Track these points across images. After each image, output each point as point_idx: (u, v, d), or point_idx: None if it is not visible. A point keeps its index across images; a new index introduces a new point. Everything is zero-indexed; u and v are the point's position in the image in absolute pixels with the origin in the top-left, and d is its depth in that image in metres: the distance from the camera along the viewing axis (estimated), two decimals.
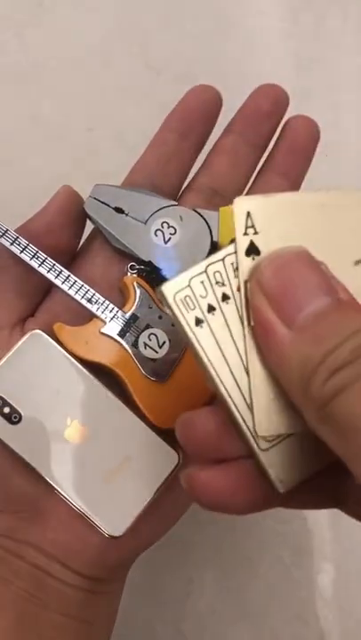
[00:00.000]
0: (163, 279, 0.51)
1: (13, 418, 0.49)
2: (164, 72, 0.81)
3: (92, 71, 0.81)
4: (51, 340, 0.50)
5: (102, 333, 0.50)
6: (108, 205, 0.52)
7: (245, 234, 0.35)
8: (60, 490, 0.49)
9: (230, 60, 0.82)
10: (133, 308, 0.51)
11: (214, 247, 0.52)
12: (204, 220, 0.53)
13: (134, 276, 0.52)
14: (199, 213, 0.53)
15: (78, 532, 0.50)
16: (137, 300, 0.51)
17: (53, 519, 0.50)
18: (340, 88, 0.82)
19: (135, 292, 0.51)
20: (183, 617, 0.70)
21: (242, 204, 0.35)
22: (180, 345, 0.51)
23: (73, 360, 0.50)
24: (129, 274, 0.52)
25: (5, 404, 0.49)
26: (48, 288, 0.53)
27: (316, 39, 0.84)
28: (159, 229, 0.52)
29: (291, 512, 0.71)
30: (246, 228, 0.35)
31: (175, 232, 0.52)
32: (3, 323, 0.51)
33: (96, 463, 0.50)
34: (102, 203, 0.52)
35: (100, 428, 0.50)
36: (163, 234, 0.52)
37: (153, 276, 0.52)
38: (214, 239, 0.53)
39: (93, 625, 0.52)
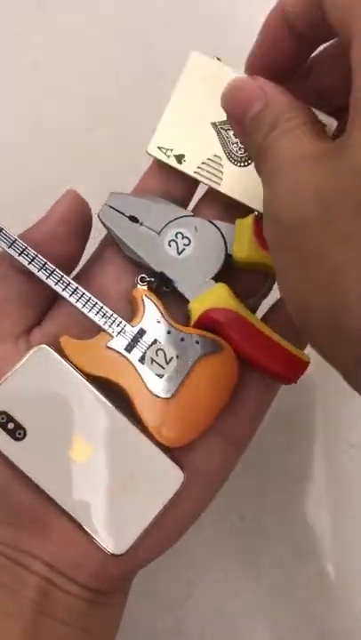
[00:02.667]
0: (174, 291, 0.52)
1: (17, 434, 0.48)
2: (163, 72, 0.81)
3: (92, 71, 0.81)
4: (56, 355, 0.49)
5: (109, 348, 0.50)
6: (123, 214, 0.52)
7: None
8: (63, 507, 0.48)
9: (230, 60, 0.81)
10: (141, 322, 0.50)
11: (228, 260, 0.52)
12: (220, 231, 0.52)
13: (144, 288, 0.51)
14: (215, 225, 0.52)
15: (80, 547, 0.49)
16: (145, 313, 0.50)
17: (55, 533, 0.50)
18: None
19: (144, 305, 0.51)
20: (184, 618, 0.69)
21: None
22: (187, 362, 0.50)
23: (79, 376, 0.49)
24: (138, 286, 0.51)
25: (10, 419, 0.48)
26: (54, 296, 0.52)
27: None
28: (173, 240, 0.52)
29: (292, 513, 0.72)
30: None
31: (189, 243, 0.52)
32: (5, 334, 0.51)
33: (100, 481, 0.49)
34: (117, 211, 0.52)
35: (105, 445, 0.49)
36: (176, 245, 0.52)
37: (163, 289, 0.52)
38: (229, 252, 0.52)
39: (96, 634, 0.52)
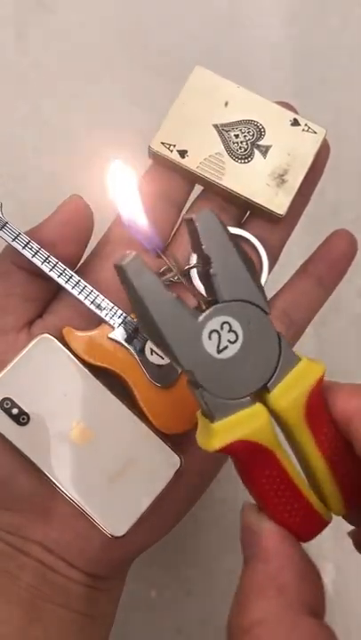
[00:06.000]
0: (204, 405, 0.38)
1: (21, 419, 0.49)
2: (164, 72, 0.81)
3: (91, 71, 0.82)
4: (59, 344, 0.50)
5: (110, 339, 0.51)
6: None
7: None
8: (64, 490, 0.49)
9: (230, 60, 0.82)
10: None
11: (265, 385, 0.38)
12: (279, 340, 0.39)
13: None
14: (278, 334, 0.39)
15: (81, 532, 0.51)
16: None
17: (57, 518, 0.51)
18: (341, 88, 0.83)
19: None
20: (184, 617, 0.70)
21: None
22: None
23: (80, 364, 0.50)
24: None
25: (14, 405, 0.49)
26: (55, 290, 0.53)
27: (317, 39, 0.84)
28: (216, 330, 0.37)
29: None
30: None
31: (235, 341, 0.38)
32: (8, 326, 0.52)
33: (100, 465, 0.50)
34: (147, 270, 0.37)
35: (105, 431, 0.51)
36: (219, 339, 0.37)
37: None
38: (268, 383, 0.38)
39: (95, 619, 0.53)
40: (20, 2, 0.83)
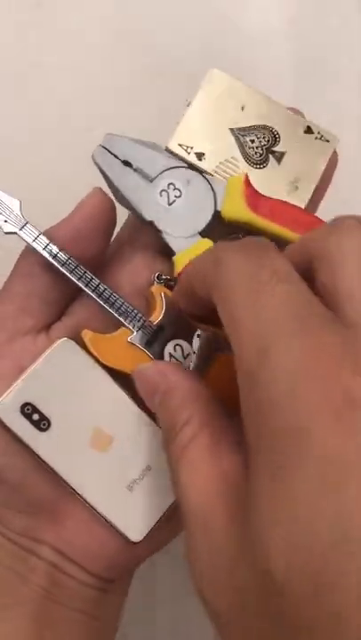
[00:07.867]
0: (163, 241, 0.52)
1: (42, 425, 0.49)
2: (163, 72, 0.81)
3: (92, 71, 0.81)
4: (80, 348, 0.50)
5: (129, 342, 0.51)
6: (117, 157, 0.52)
7: None
8: (83, 496, 0.49)
9: (230, 60, 0.81)
10: (160, 318, 0.51)
11: (217, 217, 0.52)
12: (211, 187, 0.52)
13: (161, 285, 0.52)
14: (207, 179, 0.53)
15: (95, 536, 0.51)
16: (163, 310, 0.51)
17: (70, 521, 0.51)
18: (341, 88, 0.83)
19: (162, 302, 0.51)
20: (183, 617, 0.70)
21: None
22: (205, 358, 0.51)
23: (101, 369, 0.50)
24: (155, 283, 0.52)
25: (35, 410, 0.49)
26: (75, 294, 0.53)
27: (317, 39, 0.84)
28: (165, 190, 0.52)
29: None
30: None
31: (180, 195, 0.52)
32: (27, 329, 0.51)
33: (118, 471, 0.50)
34: (111, 154, 0.52)
35: (124, 437, 0.50)
36: (168, 195, 0.52)
37: None
38: (218, 208, 0.52)
39: (103, 621, 0.54)
40: (20, 2, 0.82)
